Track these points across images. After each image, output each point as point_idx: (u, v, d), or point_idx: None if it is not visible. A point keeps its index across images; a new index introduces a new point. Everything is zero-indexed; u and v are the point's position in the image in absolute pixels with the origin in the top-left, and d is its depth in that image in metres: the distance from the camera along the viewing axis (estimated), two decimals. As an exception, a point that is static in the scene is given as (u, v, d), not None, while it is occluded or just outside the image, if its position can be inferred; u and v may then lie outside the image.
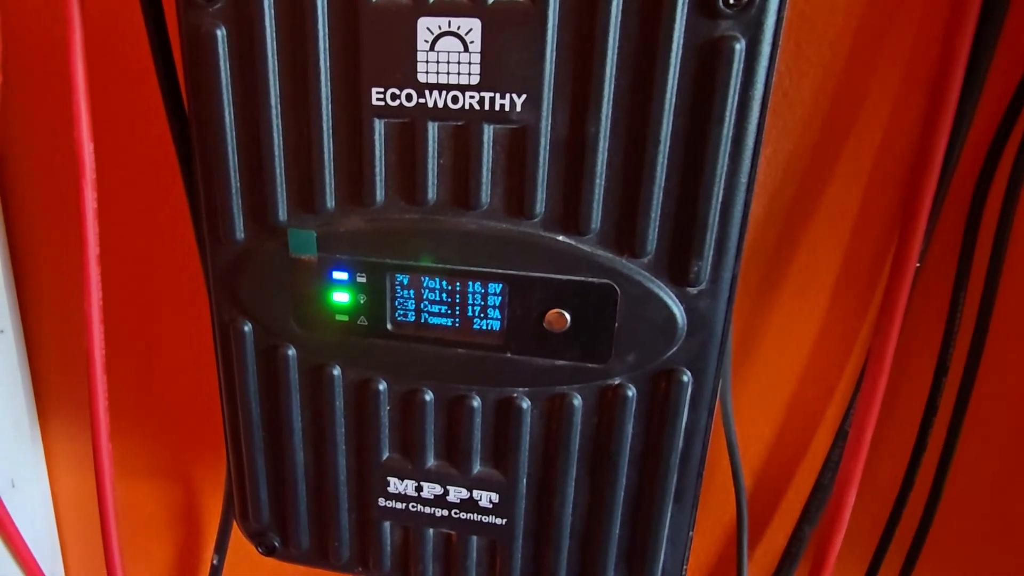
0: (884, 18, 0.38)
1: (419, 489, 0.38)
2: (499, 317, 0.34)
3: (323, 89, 0.31)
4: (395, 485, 0.38)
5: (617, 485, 0.36)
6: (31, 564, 0.58)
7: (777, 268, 0.44)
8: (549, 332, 0.34)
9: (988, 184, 0.40)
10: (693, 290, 0.32)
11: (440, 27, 0.30)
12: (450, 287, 0.34)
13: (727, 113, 0.29)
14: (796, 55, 0.40)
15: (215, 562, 0.56)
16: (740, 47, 0.28)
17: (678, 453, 0.35)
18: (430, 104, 0.31)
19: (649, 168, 0.30)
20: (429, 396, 0.36)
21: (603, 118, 0.30)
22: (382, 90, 0.31)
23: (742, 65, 0.28)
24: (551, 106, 0.30)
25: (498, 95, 0.30)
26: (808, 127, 0.41)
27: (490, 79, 0.30)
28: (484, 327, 0.34)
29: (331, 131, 0.32)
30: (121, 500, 0.58)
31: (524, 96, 0.30)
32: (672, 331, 0.33)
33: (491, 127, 0.31)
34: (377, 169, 0.32)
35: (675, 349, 0.33)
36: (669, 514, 0.36)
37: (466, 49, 0.30)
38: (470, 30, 0.29)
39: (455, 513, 0.38)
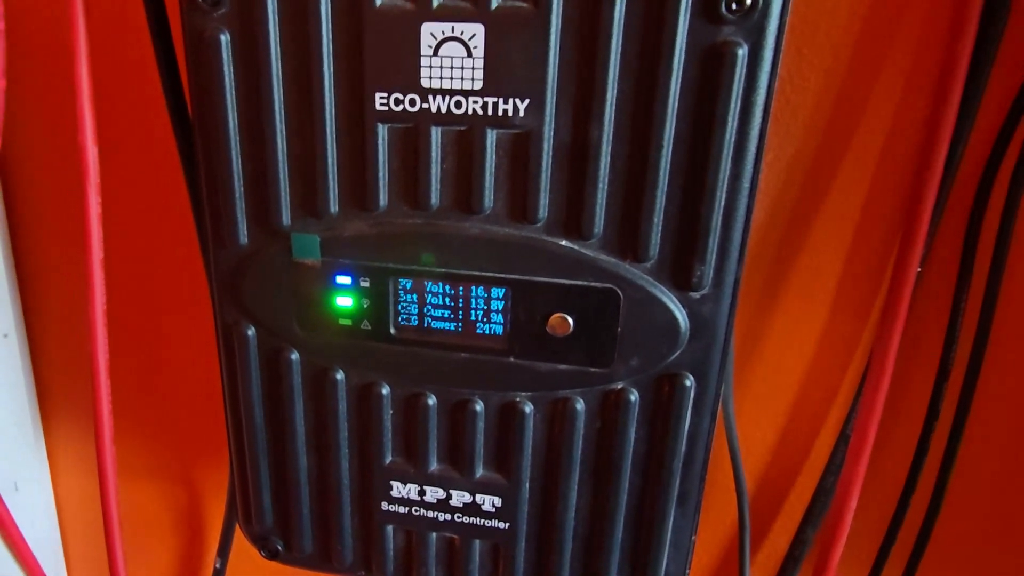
0: (885, 24, 0.39)
1: (422, 493, 0.38)
2: (502, 321, 0.34)
3: (327, 94, 0.32)
4: (398, 489, 0.39)
5: (620, 489, 0.36)
6: (33, 566, 0.59)
7: (779, 272, 0.44)
8: (552, 336, 0.34)
9: (989, 189, 0.40)
10: (696, 294, 0.32)
11: (443, 32, 0.30)
12: (453, 291, 0.34)
13: (729, 118, 0.29)
14: (798, 60, 0.40)
15: (218, 566, 0.56)
16: (743, 52, 0.28)
17: (681, 457, 0.35)
18: (433, 109, 0.31)
19: (652, 172, 0.30)
20: (432, 400, 0.36)
21: (606, 123, 0.30)
22: (385, 95, 0.31)
23: (744, 70, 0.28)
24: (554, 111, 0.30)
25: (501, 100, 0.30)
26: (810, 132, 0.41)
27: (493, 84, 0.30)
28: (487, 331, 0.35)
29: (335, 136, 0.32)
30: (123, 503, 0.59)
31: (527, 101, 0.30)
32: (675, 335, 0.33)
33: (494, 132, 0.31)
34: (380, 174, 0.33)
35: (678, 353, 0.33)
36: (672, 518, 0.36)
37: (469, 54, 0.30)
38: (473, 35, 0.30)
39: (458, 517, 0.39)
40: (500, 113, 0.30)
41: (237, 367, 0.38)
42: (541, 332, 0.34)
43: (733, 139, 0.29)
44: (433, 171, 0.32)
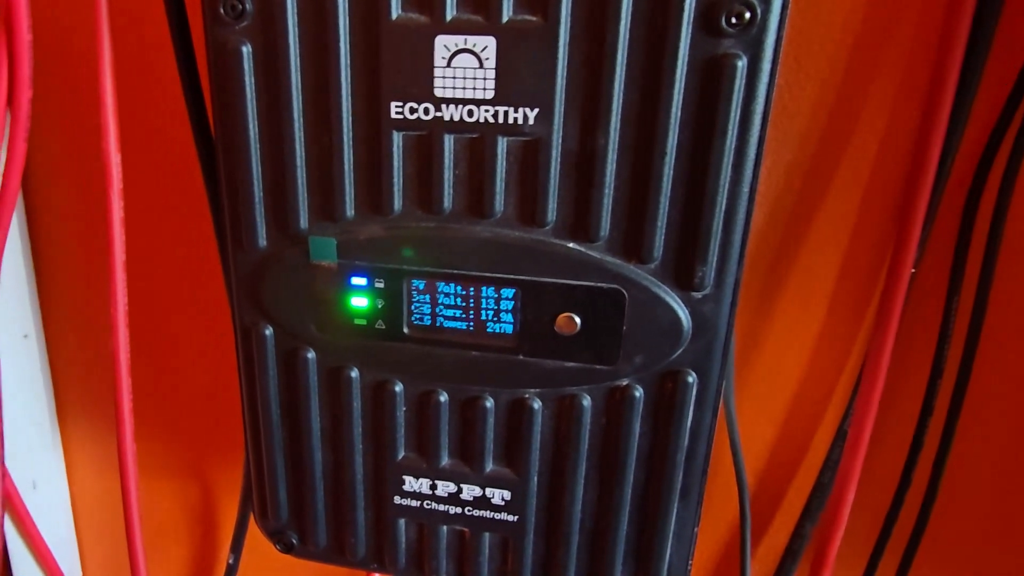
0: (879, 34, 0.40)
1: (433, 487, 0.39)
2: (512, 321, 0.35)
3: (344, 103, 0.33)
4: (410, 483, 0.40)
5: (625, 482, 0.37)
6: (51, 563, 0.60)
7: (778, 274, 0.45)
8: (560, 335, 0.35)
9: (980, 192, 0.41)
10: (698, 295, 0.33)
11: (456, 44, 0.31)
12: (464, 292, 0.35)
13: (730, 126, 0.30)
14: (795, 70, 0.41)
15: (231, 561, 0.57)
16: (742, 64, 0.29)
17: (684, 451, 0.36)
18: (446, 118, 0.32)
19: (656, 178, 0.31)
20: (444, 397, 0.37)
21: (612, 131, 0.31)
22: (400, 104, 0.32)
23: (744, 81, 0.29)
24: (562, 119, 0.31)
25: (511, 109, 0.31)
26: (807, 139, 0.42)
27: (504, 94, 0.31)
28: (497, 330, 0.36)
29: (351, 143, 0.33)
30: (139, 501, 0.60)
31: (536, 110, 0.31)
32: (678, 334, 0.34)
33: (505, 139, 0.32)
34: (395, 179, 0.34)
35: (681, 351, 0.34)
36: (675, 511, 0.37)
37: (481, 65, 0.31)
38: (485, 47, 0.31)
39: (468, 510, 0.39)
40: (510, 122, 0.32)
41: (255, 366, 0.39)
42: (549, 331, 0.35)
43: (733, 146, 0.30)
44: (446, 177, 0.33)
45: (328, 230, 0.35)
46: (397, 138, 0.33)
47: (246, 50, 0.33)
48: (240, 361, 0.39)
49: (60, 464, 0.64)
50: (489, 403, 0.37)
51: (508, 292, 0.35)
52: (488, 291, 0.35)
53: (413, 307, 0.36)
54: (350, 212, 0.35)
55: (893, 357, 0.42)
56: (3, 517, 0.54)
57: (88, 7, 0.48)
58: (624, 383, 0.35)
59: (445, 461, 0.39)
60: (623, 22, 0.29)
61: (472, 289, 0.35)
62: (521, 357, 0.36)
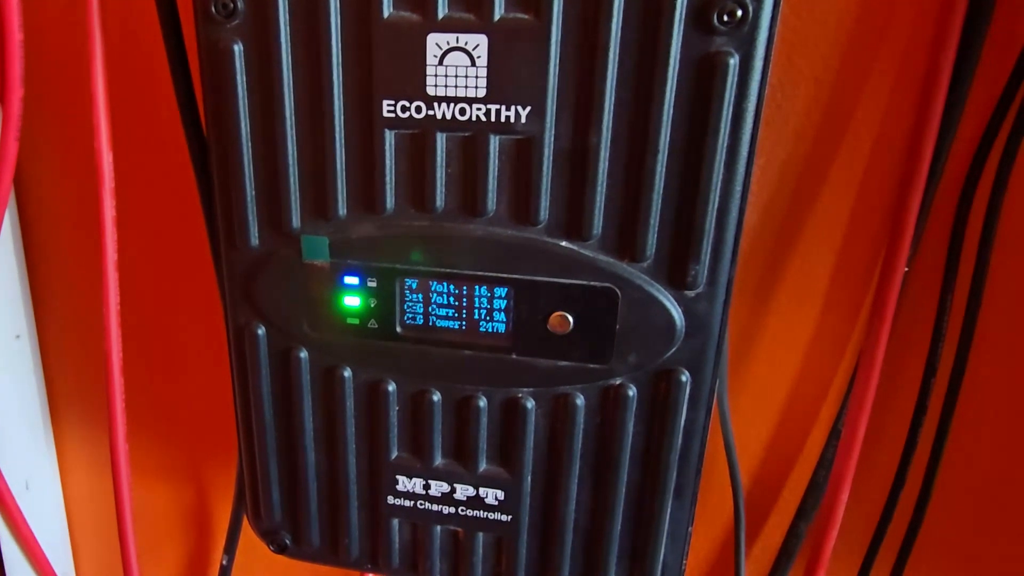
0: (873, 33, 0.40)
1: (427, 487, 0.39)
2: (504, 320, 0.35)
3: (336, 101, 0.33)
4: (404, 483, 0.40)
5: (619, 482, 0.37)
6: (44, 564, 0.59)
7: (771, 273, 0.45)
8: (553, 334, 0.35)
9: (973, 191, 0.41)
10: (691, 293, 0.33)
11: (448, 43, 0.31)
12: (457, 291, 0.35)
13: (722, 124, 0.30)
14: (788, 68, 0.41)
15: (224, 562, 0.57)
16: (734, 62, 0.29)
17: (677, 450, 0.36)
18: (439, 116, 0.32)
19: (648, 177, 0.31)
20: (437, 397, 0.37)
21: (604, 129, 0.31)
22: (393, 102, 0.32)
23: (736, 79, 0.29)
24: (554, 118, 0.31)
25: (504, 107, 0.31)
26: (800, 137, 0.42)
27: (496, 92, 0.31)
28: (490, 330, 0.36)
29: (343, 142, 0.33)
30: (132, 501, 0.59)
31: (529, 108, 0.31)
32: (671, 333, 0.34)
33: (497, 138, 0.32)
34: (388, 178, 0.34)
35: (674, 350, 0.34)
36: (669, 510, 0.37)
37: (473, 64, 0.31)
38: (477, 45, 0.31)
39: (462, 510, 0.40)
40: (503, 120, 0.32)
41: (248, 366, 0.39)
42: (542, 330, 0.35)
43: (726, 144, 0.31)
44: (438, 175, 0.33)
45: (321, 229, 0.35)
46: (389, 136, 0.33)
47: (238, 49, 0.33)
48: (233, 361, 0.39)
49: (53, 464, 0.64)
50: (482, 403, 0.37)
51: (501, 291, 0.35)
52: (481, 290, 0.35)
53: (406, 306, 0.36)
54: (342, 211, 0.35)
55: (887, 355, 0.42)
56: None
57: (80, 6, 0.48)
58: (617, 382, 0.35)
59: (438, 461, 0.39)
60: (615, 20, 0.29)
61: (465, 288, 0.35)
62: (514, 356, 0.36)
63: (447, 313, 0.36)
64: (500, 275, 0.34)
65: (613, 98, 0.31)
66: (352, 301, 0.36)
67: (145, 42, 0.48)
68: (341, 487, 0.40)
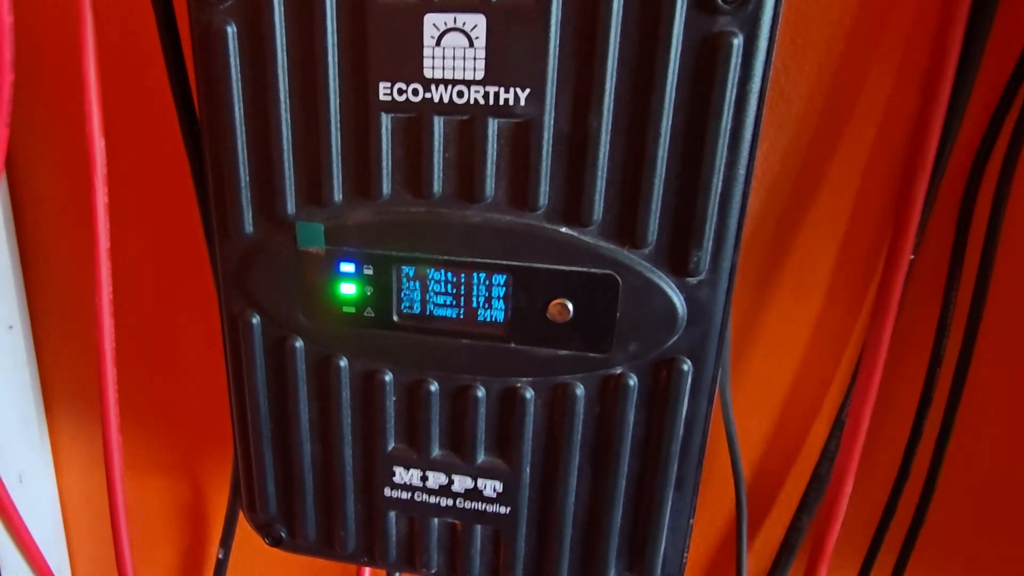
0: (878, 16, 0.39)
1: (424, 479, 0.39)
2: (503, 308, 0.35)
3: (331, 84, 0.32)
4: (400, 475, 0.39)
5: (619, 473, 0.37)
6: (37, 557, 0.59)
7: (775, 261, 0.45)
8: (552, 322, 0.34)
9: (980, 178, 0.41)
10: (693, 280, 0.33)
11: (446, 23, 0.30)
12: (455, 279, 0.35)
13: (725, 107, 0.30)
14: (792, 51, 0.41)
15: (220, 556, 0.56)
16: (738, 42, 0.29)
17: (679, 441, 0.36)
18: (436, 99, 0.32)
19: (650, 161, 0.31)
20: (434, 386, 0.37)
21: (605, 112, 0.30)
22: (389, 85, 0.32)
23: (740, 60, 0.29)
24: (554, 100, 0.31)
25: (502, 90, 0.31)
26: (804, 122, 0.42)
27: (495, 74, 0.31)
28: (488, 318, 0.35)
29: (339, 126, 0.33)
30: (126, 494, 0.59)
31: (528, 91, 0.31)
32: (672, 321, 0.33)
33: (495, 121, 0.32)
34: (384, 163, 0.33)
35: (675, 338, 0.34)
36: (670, 502, 0.37)
37: (471, 45, 0.30)
38: (475, 26, 0.30)
39: (460, 502, 0.39)
40: (501, 103, 0.31)
41: (242, 355, 0.38)
42: (541, 318, 0.34)
43: (729, 127, 0.30)
44: (436, 160, 0.33)
45: (315, 215, 0.35)
46: (386, 120, 0.32)
47: (231, 30, 0.32)
48: (227, 351, 0.39)
49: (47, 457, 0.63)
50: (480, 392, 0.37)
51: (499, 278, 0.34)
52: (479, 277, 0.34)
53: (403, 294, 0.35)
54: (338, 197, 0.34)
55: (891, 346, 0.42)
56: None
57: (72, -10, 0.47)
58: (618, 371, 0.35)
59: (436, 452, 0.38)
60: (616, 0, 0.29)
61: (463, 275, 0.35)
62: (513, 345, 0.35)
63: (445, 301, 0.35)
64: (498, 262, 0.34)
65: (614, 80, 0.30)
66: (348, 289, 0.36)
67: (137, 25, 0.48)
68: (337, 479, 0.40)
